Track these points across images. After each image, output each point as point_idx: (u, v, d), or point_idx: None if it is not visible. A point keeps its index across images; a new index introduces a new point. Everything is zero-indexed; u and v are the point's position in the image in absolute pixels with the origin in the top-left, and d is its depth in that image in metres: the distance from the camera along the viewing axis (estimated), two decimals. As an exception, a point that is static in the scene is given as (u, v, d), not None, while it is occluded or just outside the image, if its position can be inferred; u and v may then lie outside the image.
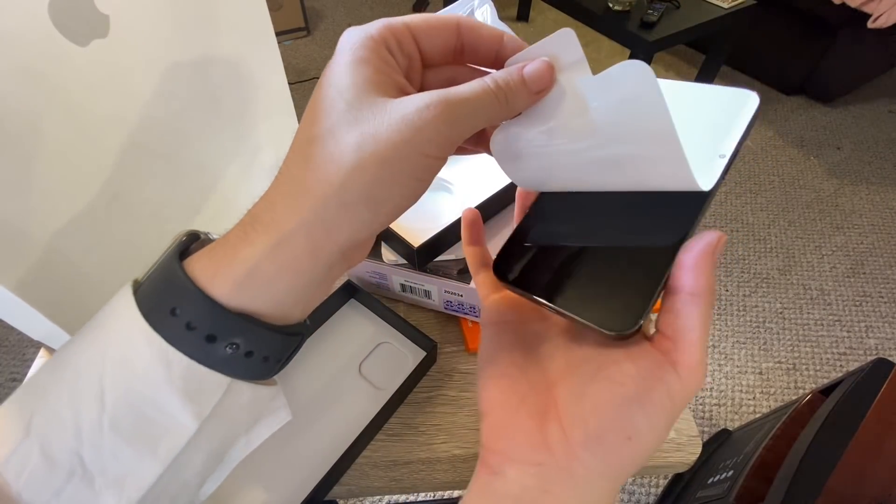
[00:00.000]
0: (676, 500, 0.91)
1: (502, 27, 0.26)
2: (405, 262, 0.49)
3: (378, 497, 1.07)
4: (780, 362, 1.30)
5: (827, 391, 0.65)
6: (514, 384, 0.22)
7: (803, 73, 1.94)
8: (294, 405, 0.27)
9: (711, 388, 1.25)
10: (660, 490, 1.08)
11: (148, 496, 0.22)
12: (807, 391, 0.70)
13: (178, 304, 0.20)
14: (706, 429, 1.19)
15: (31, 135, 0.32)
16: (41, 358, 0.50)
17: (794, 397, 1.09)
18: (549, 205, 0.25)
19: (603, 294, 0.21)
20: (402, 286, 0.52)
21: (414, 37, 0.22)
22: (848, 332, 1.35)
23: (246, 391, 0.23)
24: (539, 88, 0.21)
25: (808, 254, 1.53)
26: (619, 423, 0.19)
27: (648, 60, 1.52)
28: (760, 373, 1.28)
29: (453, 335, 0.53)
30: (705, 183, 0.19)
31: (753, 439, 0.72)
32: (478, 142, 0.25)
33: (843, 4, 1.65)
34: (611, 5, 1.60)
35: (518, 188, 0.26)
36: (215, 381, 0.21)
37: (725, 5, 1.58)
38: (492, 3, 0.42)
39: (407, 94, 0.20)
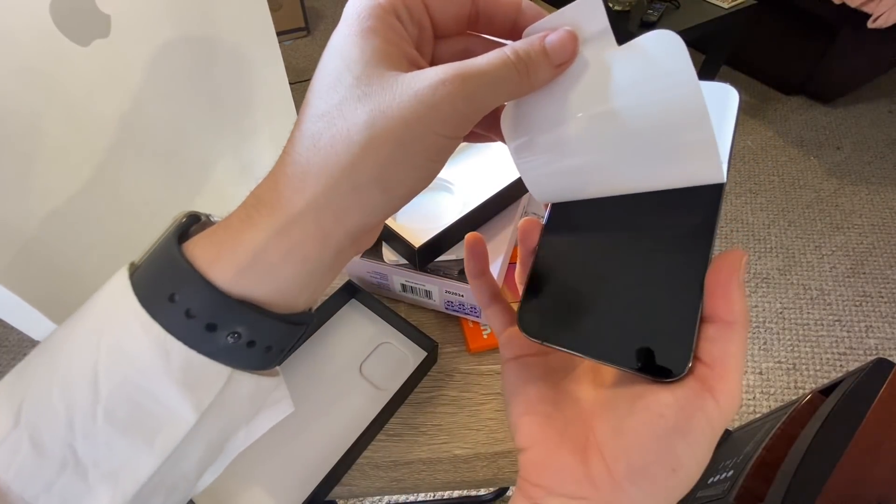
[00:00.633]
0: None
1: None
2: (406, 262, 0.49)
3: (378, 497, 1.07)
4: (780, 362, 1.30)
5: (827, 391, 0.65)
6: (550, 420, 0.21)
7: (803, 73, 1.93)
8: (295, 405, 0.27)
9: (711, 388, 1.25)
10: (660, 490, 1.08)
11: (144, 488, 0.21)
12: (807, 391, 0.70)
13: (176, 289, 0.19)
14: (706, 429, 1.19)
15: (31, 134, 0.32)
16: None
17: (794, 397, 1.08)
18: (556, 238, 0.23)
19: (643, 338, 0.19)
20: (403, 286, 0.52)
21: (425, 3, 0.20)
22: (848, 332, 1.35)
23: (247, 382, 0.22)
24: (561, 60, 0.19)
25: (808, 254, 1.53)
26: (662, 455, 0.18)
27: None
28: (760, 373, 1.28)
29: (454, 335, 0.53)
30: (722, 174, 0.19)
31: (753, 439, 0.72)
32: (490, 126, 0.24)
33: (843, 4, 1.65)
34: (611, 5, 1.59)
35: (520, 224, 0.24)
36: (216, 372, 0.20)
37: (725, 5, 1.58)
38: None
39: (419, 67, 0.19)
